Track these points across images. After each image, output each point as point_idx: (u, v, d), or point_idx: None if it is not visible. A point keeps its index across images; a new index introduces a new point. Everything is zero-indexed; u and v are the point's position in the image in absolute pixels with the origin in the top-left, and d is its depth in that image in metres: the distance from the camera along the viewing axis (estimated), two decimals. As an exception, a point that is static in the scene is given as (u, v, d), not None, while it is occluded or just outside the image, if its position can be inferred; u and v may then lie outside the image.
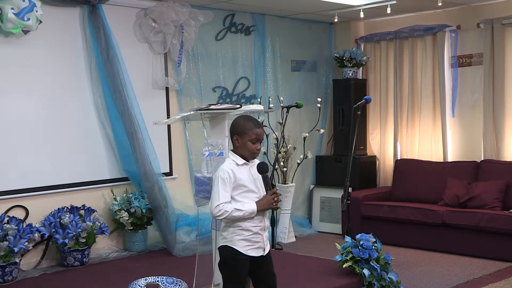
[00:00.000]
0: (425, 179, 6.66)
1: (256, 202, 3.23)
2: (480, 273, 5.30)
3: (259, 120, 3.39)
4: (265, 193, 3.28)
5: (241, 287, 3.28)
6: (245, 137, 3.25)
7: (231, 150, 3.34)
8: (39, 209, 5.28)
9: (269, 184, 3.29)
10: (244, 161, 3.27)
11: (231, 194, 3.21)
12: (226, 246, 3.26)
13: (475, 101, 6.72)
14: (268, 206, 3.27)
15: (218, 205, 3.17)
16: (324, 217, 7.32)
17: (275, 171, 6.30)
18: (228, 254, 3.25)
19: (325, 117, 7.64)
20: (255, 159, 3.35)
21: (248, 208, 3.19)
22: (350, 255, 4.60)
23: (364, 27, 7.72)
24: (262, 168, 3.26)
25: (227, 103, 6.28)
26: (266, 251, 3.33)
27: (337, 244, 4.83)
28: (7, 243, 4.73)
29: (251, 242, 3.25)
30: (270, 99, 6.88)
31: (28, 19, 4.92)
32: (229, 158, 3.30)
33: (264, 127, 4.08)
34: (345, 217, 5.45)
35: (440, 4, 6.17)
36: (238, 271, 3.25)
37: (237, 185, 3.22)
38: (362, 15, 6.69)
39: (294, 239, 6.72)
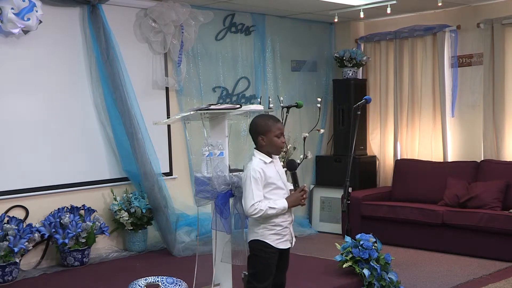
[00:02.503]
0: (425, 179, 6.66)
1: (286, 199, 3.40)
2: (480, 273, 5.30)
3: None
4: (289, 189, 3.44)
5: (269, 279, 3.43)
6: (269, 134, 3.40)
7: (255, 149, 3.46)
8: (39, 209, 5.28)
9: (297, 181, 3.44)
10: (271, 159, 3.42)
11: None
12: (258, 240, 3.42)
13: (475, 101, 6.72)
14: (297, 203, 3.44)
15: (253, 204, 3.32)
16: (324, 217, 7.32)
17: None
18: (260, 248, 3.42)
19: (325, 117, 7.64)
20: (275, 156, 3.49)
21: (280, 206, 3.36)
22: (350, 255, 4.60)
23: (364, 27, 7.72)
24: (291, 166, 3.44)
25: (227, 103, 6.28)
26: (293, 244, 3.56)
27: (337, 244, 4.84)
28: (7, 243, 4.73)
29: (281, 236, 3.45)
30: (270, 99, 6.85)
31: (28, 19, 4.92)
32: (255, 157, 3.43)
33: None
34: (345, 217, 5.44)
35: (440, 4, 6.17)
36: (269, 263, 3.42)
37: (267, 183, 3.37)
38: (362, 15, 6.69)
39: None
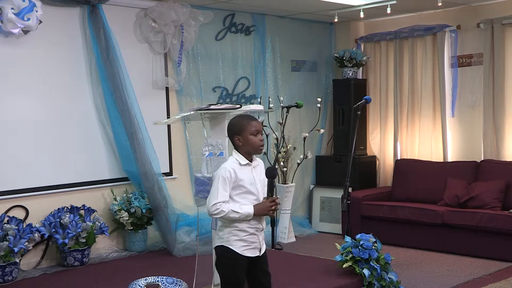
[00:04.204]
0: (425, 179, 6.66)
1: (254, 206, 3.21)
2: (480, 273, 5.30)
3: (258, 119, 3.40)
4: (264, 196, 3.26)
5: (239, 286, 3.26)
6: (245, 133, 3.22)
7: (234, 149, 3.31)
8: (39, 209, 5.28)
9: (272, 191, 3.26)
10: (247, 161, 3.25)
11: (230, 193, 3.19)
12: (222, 246, 3.25)
13: (475, 101, 6.72)
14: (265, 212, 3.24)
15: (215, 203, 3.15)
16: (324, 217, 7.32)
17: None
18: (225, 254, 3.24)
19: (325, 117, 7.64)
20: (259, 161, 3.34)
21: (244, 211, 3.18)
22: (350, 255, 4.60)
23: (364, 27, 7.72)
24: (270, 173, 3.24)
25: (227, 103, 6.28)
26: (262, 252, 3.32)
27: (337, 244, 4.83)
28: (7, 243, 4.73)
29: (248, 243, 3.23)
30: (270, 99, 6.88)
31: (28, 19, 4.92)
32: (232, 157, 3.28)
33: (263, 127, 4.08)
34: (345, 217, 5.45)
35: (440, 4, 6.17)
36: (236, 271, 3.24)
37: (237, 185, 3.20)
38: (362, 15, 6.69)
39: (294, 239, 6.72)
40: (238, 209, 3.16)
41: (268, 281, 3.35)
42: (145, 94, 5.97)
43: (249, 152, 3.26)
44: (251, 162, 3.27)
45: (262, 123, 5.15)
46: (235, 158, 3.25)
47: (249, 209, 3.18)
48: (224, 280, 3.29)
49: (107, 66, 5.54)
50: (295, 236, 6.79)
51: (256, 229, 3.25)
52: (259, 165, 3.32)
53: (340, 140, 7.34)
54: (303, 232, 7.05)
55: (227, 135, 3.35)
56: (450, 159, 6.89)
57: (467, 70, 6.77)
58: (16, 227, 4.86)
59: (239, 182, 3.19)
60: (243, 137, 3.23)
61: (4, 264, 4.75)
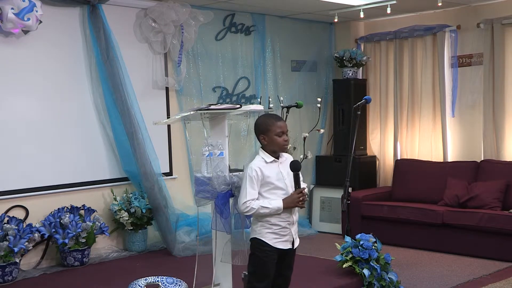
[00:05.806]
0: (425, 179, 6.66)
1: (283, 200, 3.36)
2: (480, 273, 5.30)
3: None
4: (293, 190, 3.40)
5: (267, 279, 3.40)
6: (270, 133, 3.40)
7: (260, 147, 3.47)
8: (39, 209, 5.28)
9: (298, 183, 3.40)
10: (273, 158, 3.42)
11: (259, 191, 3.36)
12: (255, 238, 3.42)
13: (475, 101, 6.72)
14: (294, 205, 3.39)
15: (245, 202, 3.34)
16: (324, 217, 7.32)
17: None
18: (257, 246, 3.41)
19: (325, 117, 7.64)
20: (286, 156, 3.49)
21: (274, 206, 3.34)
22: (350, 255, 4.60)
23: (364, 27, 7.72)
24: (294, 166, 3.40)
25: (227, 103, 6.27)
26: (296, 245, 3.48)
27: (337, 244, 4.84)
28: (7, 243, 4.73)
29: (279, 235, 3.40)
30: (270, 99, 6.87)
31: (28, 19, 4.92)
32: (258, 156, 3.45)
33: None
34: (345, 217, 5.45)
35: (440, 4, 6.17)
36: (265, 262, 3.39)
37: (264, 182, 3.37)
38: (362, 15, 6.69)
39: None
40: (267, 205, 3.34)
41: (289, 275, 3.53)
42: (145, 94, 5.97)
43: (274, 151, 3.43)
44: (277, 159, 3.43)
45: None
46: (261, 157, 3.43)
47: (278, 203, 3.35)
48: (253, 270, 3.44)
49: (107, 66, 5.54)
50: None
51: (288, 223, 3.41)
52: (286, 160, 3.48)
53: (340, 140, 7.34)
54: (303, 232, 7.04)
55: (254, 132, 3.51)
56: (450, 159, 6.89)
57: (467, 70, 6.77)
58: (16, 227, 4.86)
59: (266, 179, 3.37)
60: (268, 136, 3.41)
61: (4, 264, 4.75)
